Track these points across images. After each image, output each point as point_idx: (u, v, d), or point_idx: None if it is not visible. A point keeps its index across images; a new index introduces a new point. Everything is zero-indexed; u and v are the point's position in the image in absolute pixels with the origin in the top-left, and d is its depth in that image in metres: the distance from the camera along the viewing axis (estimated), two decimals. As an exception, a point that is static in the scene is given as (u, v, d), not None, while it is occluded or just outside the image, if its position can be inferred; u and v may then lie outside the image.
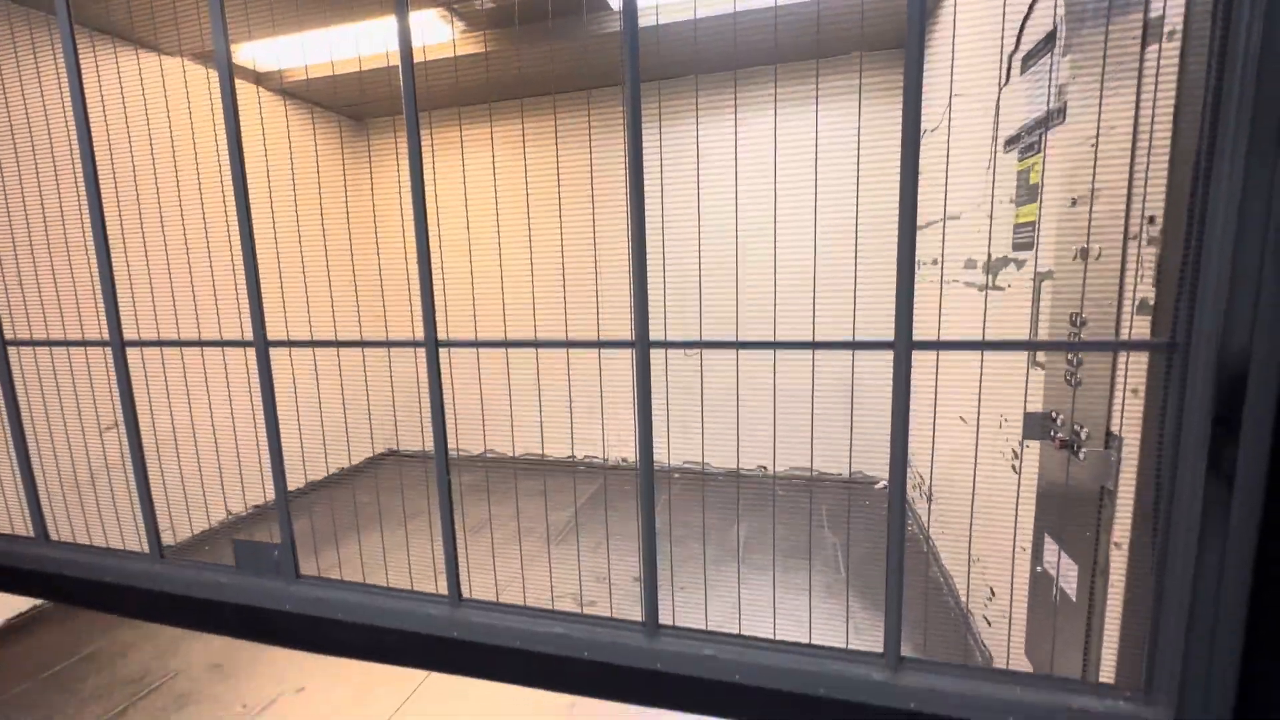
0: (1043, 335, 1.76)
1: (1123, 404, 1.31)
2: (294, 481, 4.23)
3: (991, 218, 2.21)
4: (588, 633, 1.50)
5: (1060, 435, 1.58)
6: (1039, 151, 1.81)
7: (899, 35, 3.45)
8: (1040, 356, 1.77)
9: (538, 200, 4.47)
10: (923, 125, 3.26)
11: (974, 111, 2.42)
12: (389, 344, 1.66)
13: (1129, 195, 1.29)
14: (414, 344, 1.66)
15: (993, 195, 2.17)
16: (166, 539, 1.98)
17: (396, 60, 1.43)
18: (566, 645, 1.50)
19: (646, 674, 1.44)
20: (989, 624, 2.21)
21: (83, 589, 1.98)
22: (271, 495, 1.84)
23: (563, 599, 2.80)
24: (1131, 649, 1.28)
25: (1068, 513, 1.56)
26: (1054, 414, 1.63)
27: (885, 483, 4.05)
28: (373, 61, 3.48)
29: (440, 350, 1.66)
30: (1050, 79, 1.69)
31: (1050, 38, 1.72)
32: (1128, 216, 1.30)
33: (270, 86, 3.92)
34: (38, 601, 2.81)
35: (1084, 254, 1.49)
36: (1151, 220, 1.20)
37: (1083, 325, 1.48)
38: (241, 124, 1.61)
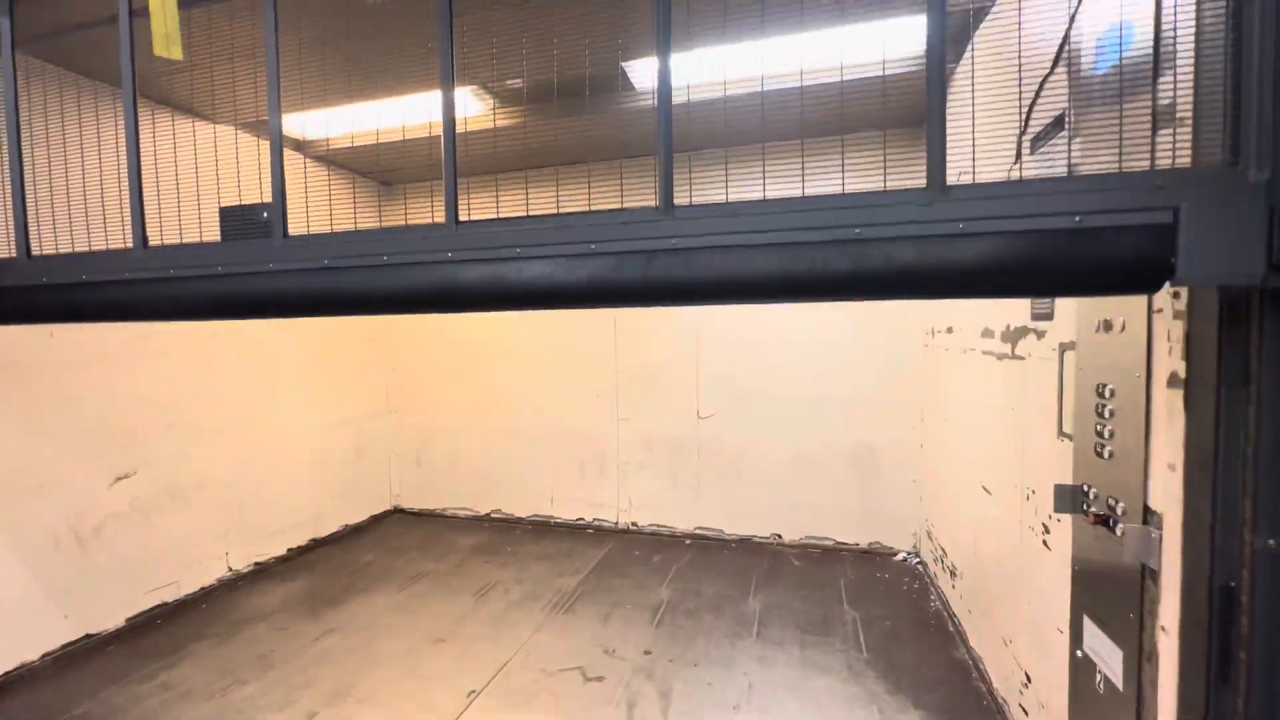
0: (1068, 404, 1.74)
1: (1160, 477, 1.28)
2: (298, 538, 4.15)
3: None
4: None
5: (1094, 510, 1.54)
6: (1053, 226, 1.86)
7: (918, 113, 3.62)
8: (1068, 427, 1.75)
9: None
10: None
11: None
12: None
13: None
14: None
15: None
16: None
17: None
18: None
19: None
20: (1025, 714, 2.07)
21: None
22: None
23: (569, 671, 2.67)
24: (1190, 747, 1.19)
25: (1108, 593, 1.50)
26: (1085, 487, 1.59)
27: (905, 554, 3.91)
28: (390, 135, 3.69)
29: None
30: (1067, 156, 1.76)
31: (1059, 121, 1.80)
32: (1150, 303, 1.32)
33: (310, 153, 4.14)
34: (25, 658, 2.71)
35: (1107, 326, 1.50)
36: (1176, 294, 1.22)
37: (1112, 396, 1.47)
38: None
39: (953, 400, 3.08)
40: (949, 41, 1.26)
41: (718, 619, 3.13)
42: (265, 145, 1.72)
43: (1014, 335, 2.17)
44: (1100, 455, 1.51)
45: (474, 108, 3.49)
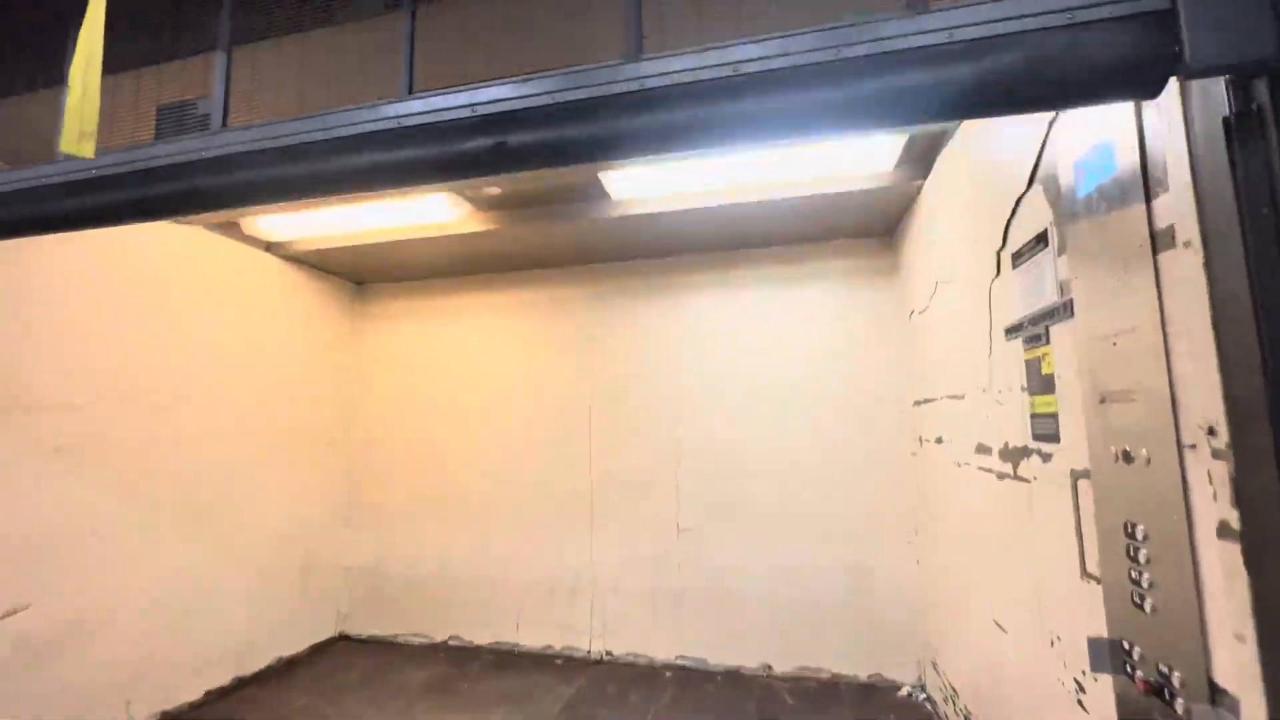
0: (1090, 541, 1.56)
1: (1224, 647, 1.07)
2: (220, 676, 3.60)
3: (1000, 401, 2.12)
4: None
5: (1141, 675, 1.31)
6: (1046, 343, 1.77)
7: (886, 224, 3.70)
8: (1092, 567, 1.55)
9: (537, 367, 4.45)
10: (912, 306, 3.37)
11: (965, 298, 2.46)
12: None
13: (1173, 400, 1.18)
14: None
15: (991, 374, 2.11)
16: None
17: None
18: None
19: None
20: None
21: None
22: None
23: None
24: None
25: (1174, 786, 1.23)
26: (1126, 644, 1.37)
27: (910, 689, 3.51)
28: (372, 236, 3.66)
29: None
30: (1052, 274, 1.70)
31: (1041, 238, 1.76)
32: (1177, 424, 1.18)
33: (279, 253, 4.06)
34: None
35: (1127, 456, 1.35)
36: (1212, 431, 1.08)
37: (1145, 539, 1.29)
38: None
39: (950, 517, 2.88)
40: None
41: (703, 781, 2.68)
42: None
43: (1014, 455, 2.02)
44: (1140, 607, 1.31)
45: (451, 213, 3.48)
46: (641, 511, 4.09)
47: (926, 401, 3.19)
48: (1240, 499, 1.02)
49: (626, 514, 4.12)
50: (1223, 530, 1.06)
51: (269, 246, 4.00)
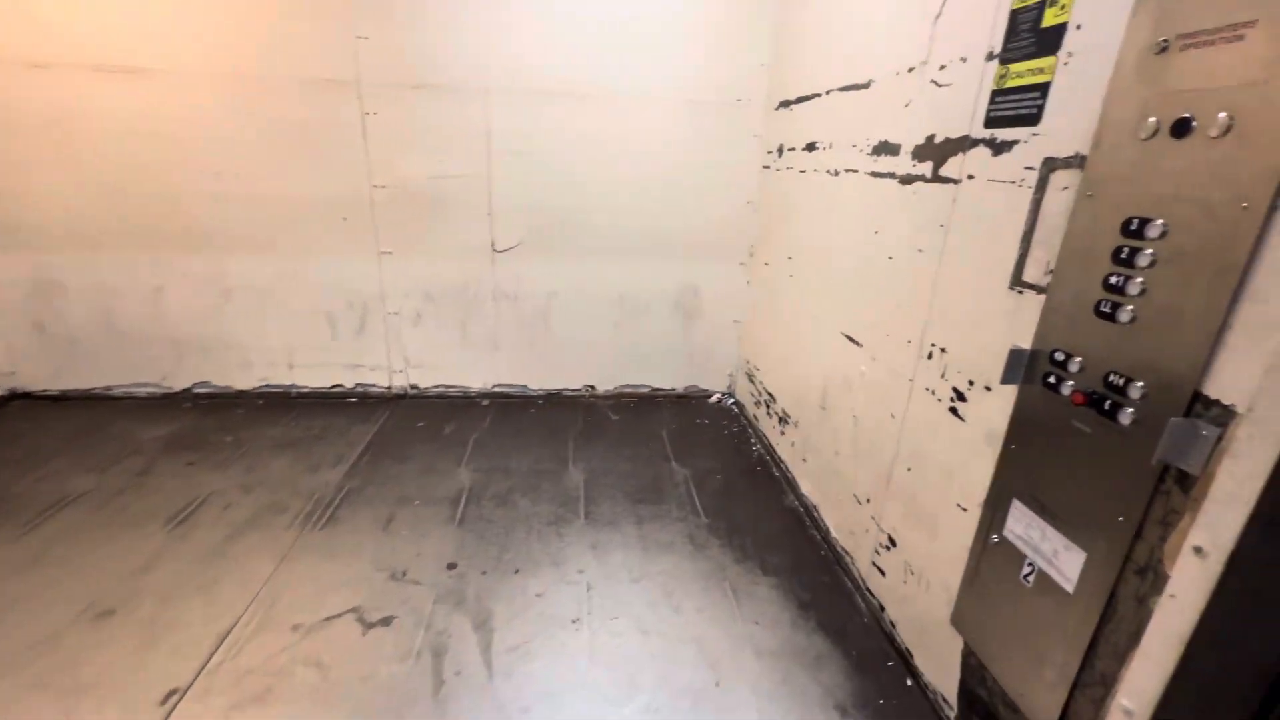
0: (1045, 245, 1.31)
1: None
2: None
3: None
4: None
5: (1078, 387, 1.18)
6: (1059, -22, 1.26)
7: None
8: (1033, 274, 1.33)
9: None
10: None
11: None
12: None
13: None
14: None
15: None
16: None
17: None
18: None
19: None
20: (882, 574, 1.97)
21: None
22: None
23: (339, 619, 1.90)
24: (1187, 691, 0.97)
25: (1074, 486, 1.21)
26: (1060, 354, 1.22)
27: (720, 395, 3.77)
28: None
29: None
30: None
31: None
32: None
33: None
34: None
35: (1181, 127, 1.00)
36: None
37: (1163, 235, 1.02)
38: None
39: (804, 234, 2.66)
40: None
41: (536, 502, 2.58)
42: None
43: (940, 151, 1.67)
44: (1109, 318, 1.11)
45: None
46: (445, 231, 3.27)
47: (801, 100, 2.69)
48: None
49: (427, 235, 3.26)
50: (1352, 215, 0.78)
51: None
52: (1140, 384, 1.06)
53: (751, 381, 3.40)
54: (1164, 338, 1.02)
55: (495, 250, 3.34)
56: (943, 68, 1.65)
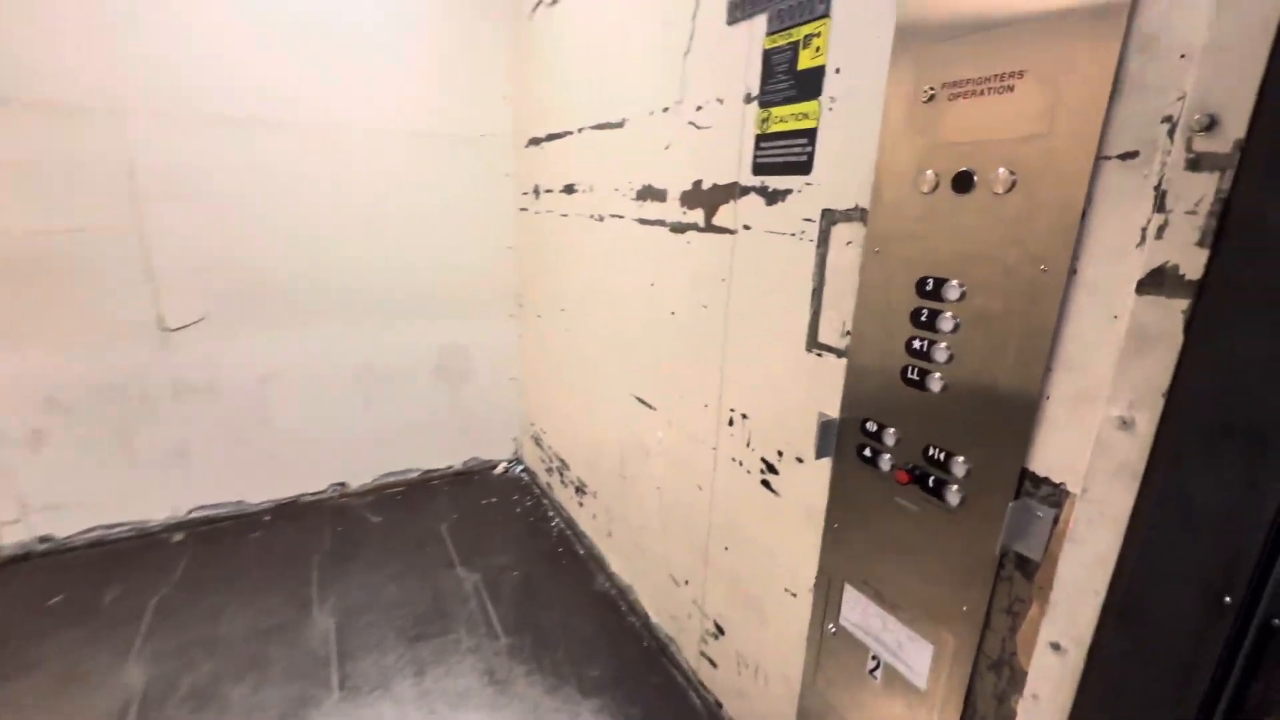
0: (837, 304, 1.19)
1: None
2: None
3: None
4: None
5: (897, 463, 1.06)
6: (822, 15, 1.17)
7: None
8: (829, 336, 1.21)
9: None
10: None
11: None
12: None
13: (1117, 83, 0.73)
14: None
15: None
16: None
17: None
18: None
19: None
20: (714, 665, 1.75)
21: None
22: None
23: None
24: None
25: (908, 571, 1.08)
26: (873, 424, 1.10)
27: (506, 464, 3.31)
28: None
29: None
30: None
31: None
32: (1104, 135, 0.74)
33: None
34: None
35: (962, 182, 0.92)
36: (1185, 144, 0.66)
37: (961, 298, 0.92)
38: None
39: (574, 284, 2.40)
40: None
41: (259, 686, 1.82)
42: None
43: (710, 197, 1.52)
44: (919, 386, 1.01)
45: None
46: (72, 303, 2.26)
47: (552, 138, 2.44)
48: (1223, 232, 0.66)
49: (31, 313, 2.21)
50: (1150, 281, 0.71)
51: None
52: (962, 459, 0.96)
53: (539, 445, 3.03)
54: (981, 408, 0.93)
55: (165, 329, 2.42)
56: (699, 108, 1.51)
